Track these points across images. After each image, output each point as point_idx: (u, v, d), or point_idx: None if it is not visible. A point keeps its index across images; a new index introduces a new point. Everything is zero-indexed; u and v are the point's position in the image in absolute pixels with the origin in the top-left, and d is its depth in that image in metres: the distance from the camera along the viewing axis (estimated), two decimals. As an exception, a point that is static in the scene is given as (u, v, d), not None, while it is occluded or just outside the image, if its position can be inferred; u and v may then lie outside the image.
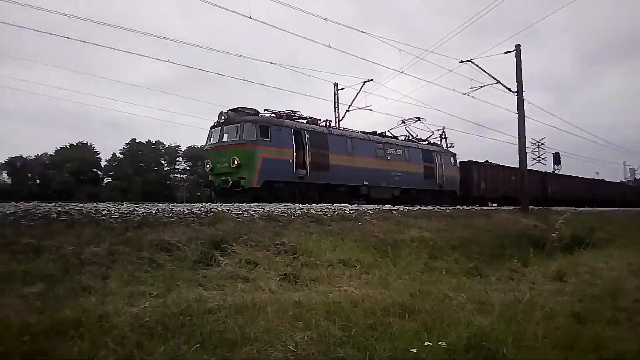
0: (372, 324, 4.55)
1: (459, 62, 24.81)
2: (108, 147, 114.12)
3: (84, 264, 5.67)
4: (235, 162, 16.62)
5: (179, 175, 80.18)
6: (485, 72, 24.13)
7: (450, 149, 28.07)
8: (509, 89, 23.62)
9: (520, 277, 8.02)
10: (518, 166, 30.44)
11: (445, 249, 10.14)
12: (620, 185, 60.27)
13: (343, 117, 30.06)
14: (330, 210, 12.77)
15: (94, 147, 72.54)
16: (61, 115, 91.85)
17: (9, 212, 7.31)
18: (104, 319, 4.08)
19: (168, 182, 76.12)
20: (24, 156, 67.22)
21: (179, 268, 6.11)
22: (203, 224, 8.53)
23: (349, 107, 29.89)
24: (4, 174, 64.19)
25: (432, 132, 27.54)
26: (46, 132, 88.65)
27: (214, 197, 17.89)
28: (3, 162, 63.66)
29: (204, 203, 13.33)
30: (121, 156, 75.06)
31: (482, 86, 25.15)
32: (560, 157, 46.44)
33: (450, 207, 20.10)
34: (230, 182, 16.62)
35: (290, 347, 3.89)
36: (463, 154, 49.33)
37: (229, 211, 10.00)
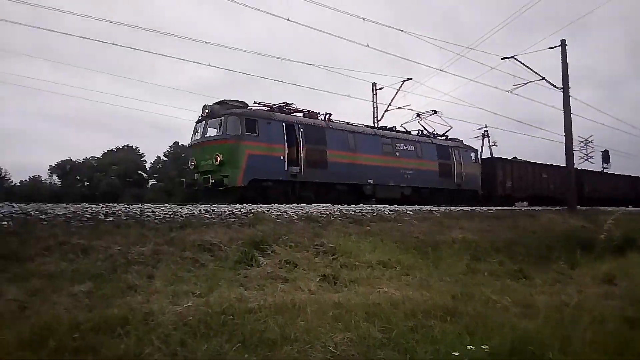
0: (412, 327, 4.50)
1: (502, 59, 24.08)
2: (152, 150, 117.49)
3: (130, 263, 5.85)
4: (218, 159, 15.22)
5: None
6: (529, 68, 23.43)
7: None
8: (555, 86, 22.87)
9: (568, 279, 7.75)
10: (553, 163, 28.84)
11: (489, 250, 9.89)
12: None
13: (382, 117, 29.85)
14: (369, 210, 12.71)
15: (139, 149, 74.74)
16: (108, 120, 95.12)
17: (59, 213, 7.63)
18: (149, 317, 4.19)
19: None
20: (73, 159, 69.95)
21: (221, 268, 6.21)
22: (243, 224, 8.66)
23: (388, 106, 29.62)
24: (54, 177, 66.93)
25: (450, 126, 25.37)
26: (94, 136, 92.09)
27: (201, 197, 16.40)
28: (53, 165, 66.39)
29: (244, 205, 13.05)
30: (165, 159, 77.07)
31: (526, 83, 24.37)
32: (609, 155, 44.59)
33: (494, 208, 19.63)
34: (212, 181, 15.26)
35: (330, 348, 3.89)
36: (506, 154, 48.10)
37: (269, 212, 10.11)
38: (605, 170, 42.17)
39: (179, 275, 5.70)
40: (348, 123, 19.92)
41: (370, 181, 19.07)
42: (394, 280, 6.59)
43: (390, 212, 13.00)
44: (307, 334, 4.08)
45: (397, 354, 3.94)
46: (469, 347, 3.84)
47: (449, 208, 16.59)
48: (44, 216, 7.34)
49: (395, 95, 28.85)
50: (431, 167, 22.11)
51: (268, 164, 15.72)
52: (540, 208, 22.23)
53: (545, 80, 23.26)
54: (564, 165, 24.28)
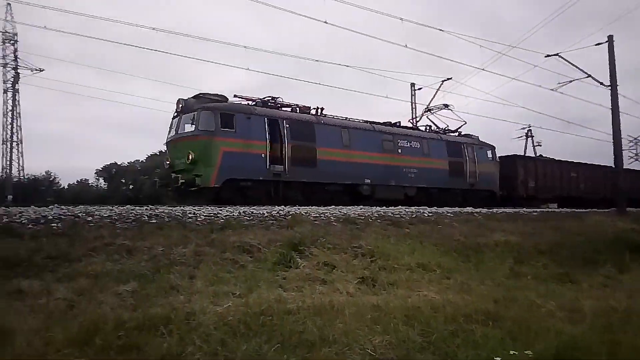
0: (453, 331, 4.42)
1: (545, 57, 23.42)
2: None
3: (172, 264, 5.99)
4: (190, 157, 14.11)
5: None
6: (574, 65, 22.67)
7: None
8: (602, 83, 22.03)
9: (616, 284, 7.44)
10: (584, 162, 27.27)
11: (533, 253, 9.61)
12: None
13: (421, 118, 29.52)
14: (408, 212, 12.59)
15: (181, 153, 76.24)
16: (151, 124, 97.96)
17: (105, 215, 7.91)
18: (190, 316, 4.27)
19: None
20: (118, 163, 72.27)
21: (260, 269, 6.28)
22: (282, 226, 8.74)
23: (427, 107, 29.29)
24: (101, 180, 69.30)
25: (464, 121, 23.52)
26: (138, 140, 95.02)
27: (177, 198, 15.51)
28: (99, 169, 68.77)
29: (282, 206, 12.92)
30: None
31: (571, 81, 23.57)
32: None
33: (538, 210, 19.08)
34: (182, 181, 14.23)
35: (369, 351, 3.87)
36: (551, 154, 46.65)
37: (306, 214, 10.16)
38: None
39: (219, 275, 5.79)
40: (347, 119, 18.61)
41: (368, 181, 17.77)
42: (434, 284, 6.49)
43: (430, 214, 12.85)
44: (346, 336, 4.07)
45: (437, 358, 3.88)
46: (511, 352, 3.74)
47: (490, 210, 16.22)
48: (90, 218, 7.63)
49: (434, 95, 28.44)
50: (440, 165, 20.62)
51: (247, 162, 14.59)
52: (587, 210, 21.34)
53: (592, 77, 22.47)
54: (598, 164, 23.21)
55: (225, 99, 15.62)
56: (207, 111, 14.59)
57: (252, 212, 9.67)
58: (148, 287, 5.09)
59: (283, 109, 16.88)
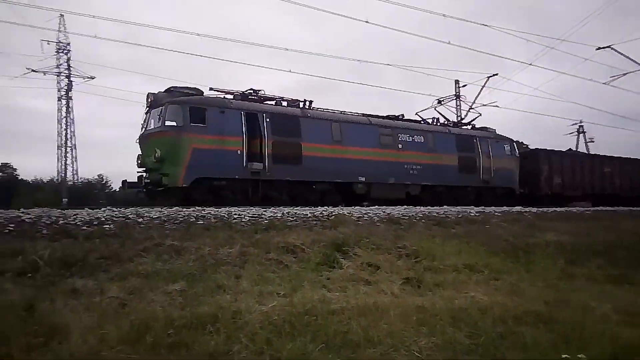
0: (502, 333, 4.30)
1: (596, 50, 22.56)
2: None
3: (219, 264, 6.10)
4: (157, 154, 13.14)
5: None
6: (628, 58, 21.66)
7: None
8: (659, 75, 20.95)
9: (680, 286, 7.03)
10: (620, 156, 25.04)
11: (586, 254, 9.22)
12: None
13: (466, 115, 28.91)
14: (454, 212, 12.36)
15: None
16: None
17: (154, 216, 8.16)
18: (237, 315, 4.34)
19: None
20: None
21: (304, 269, 6.31)
22: (325, 227, 8.76)
23: (472, 104, 28.64)
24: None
25: (479, 113, 22.07)
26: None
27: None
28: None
29: (325, 207, 12.71)
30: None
31: (624, 74, 22.59)
32: None
33: (592, 209, 18.27)
34: (147, 181, 13.42)
35: (415, 352, 3.82)
36: (605, 150, 44.68)
37: (349, 214, 10.14)
38: None
39: (264, 275, 5.86)
40: (342, 112, 17.35)
41: (363, 179, 16.40)
42: (482, 285, 6.34)
43: (477, 214, 12.58)
44: (391, 337, 4.03)
45: (486, 361, 3.78)
46: (564, 356, 3.60)
47: (541, 210, 15.68)
48: (140, 219, 7.89)
49: (479, 92, 27.83)
50: (448, 161, 18.97)
51: (220, 159, 13.42)
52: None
53: (648, 69, 21.39)
54: (637, 158, 21.51)
55: (199, 92, 14.58)
56: (174, 105, 13.51)
57: (295, 213, 9.75)
58: (196, 287, 5.20)
59: (267, 102, 15.71)
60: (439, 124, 20.57)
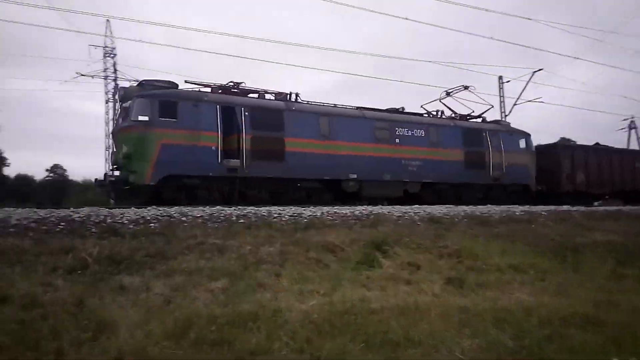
0: (548, 335, 4.18)
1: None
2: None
3: (259, 262, 6.18)
4: (124, 151, 12.62)
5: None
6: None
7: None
8: None
9: None
10: None
11: (637, 254, 8.83)
12: None
13: (510, 112, 28.17)
14: (498, 211, 12.08)
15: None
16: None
17: (197, 215, 8.34)
18: (277, 313, 4.40)
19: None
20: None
21: (343, 268, 6.32)
22: (364, 226, 8.73)
23: (517, 100, 27.85)
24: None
25: (491, 105, 20.11)
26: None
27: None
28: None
29: (364, 206, 12.73)
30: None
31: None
32: None
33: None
34: (111, 179, 12.78)
35: (457, 354, 3.76)
36: (658, 146, 42.54)
37: (389, 213, 10.08)
38: None
39: (304, 274, 5.90)
40: (335, 106, 16.30)
41: (354, 176, 15.22)
42: (527, 285, 6.19)
43: (522, 213, 12.25)
44: (432, 338, 3.98)
45: (531, 363, 3.68)
46: (614, 359, 3.46)
47: (590, 208, 15.08)
48: (184, 218, 8.08)
49: (524, 87, 27.11)
50: (452, 156, 17.50)
51: (193, 156, 12.60)
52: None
53: None
54: None
55: (174, 85, 13.82)
56: (142, 99, 12.74)
57: (335, 212, 9.76)
58: (237, 285, 5.29)
59: (250, 95, 14.77)
60: (444, 116, 19.18)
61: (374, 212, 10.04)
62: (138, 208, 9.04)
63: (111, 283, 5.09)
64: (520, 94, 27.49)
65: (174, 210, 8.84)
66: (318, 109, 15.48)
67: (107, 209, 8.60)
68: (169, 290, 5.02)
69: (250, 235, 7.25)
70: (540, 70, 26.62)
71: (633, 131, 45.22)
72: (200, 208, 9.42)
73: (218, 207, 9.98)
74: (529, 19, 44.87)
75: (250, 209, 9.55)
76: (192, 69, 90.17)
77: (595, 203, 21.37)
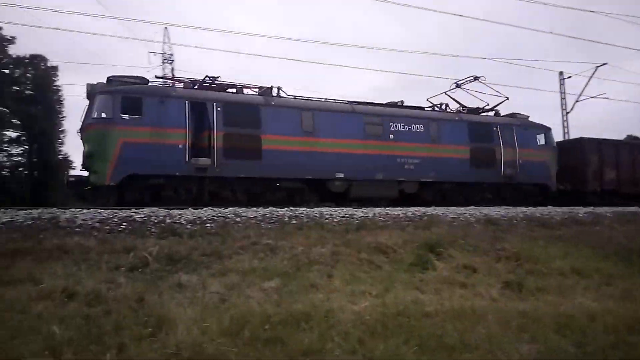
0: (613, 342, 3.97)
1: None
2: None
3: (311, 263, 6.22)
4: (85, 150, 12.09)
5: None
6: None
7: None
8: None
9: None
10: None
11: None
12: None
13: (571, 109, 26.93)
14: (559, 213, 11.58)
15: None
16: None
17: (251, 216, 8.51)
18: (329, 314, 4.40)
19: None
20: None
21: (396, 270, 6.25)
22: (417, 227, 8.60)
23: (579, 97, 26.60)
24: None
25: (506, 97, 18.16)
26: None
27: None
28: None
29: (418, 208, 12.02)
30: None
31: None
32: None
33: None
34: (71, 179, 12.26)
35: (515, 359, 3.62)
36: None
37: (443, 215, 9.88)
38: None
39: (356, 275, 5.88)
40: (326, 100, 15.24)
41: (341, 175, 14.08)
42: (591, 290, 5.90)
43: (585, 214, 11.69)
44: (489, 342, 3.87)
45: (595, 371, 3.50)
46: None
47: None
48: (239, 219, 8.26)
49: (587, 83, 25.88)
50: (456, 153, 15.96)
51: (157, 154, 11.90)
52: None
53: None
54: None
55: (144, 81, 13.17)
56: (104, 95, 12.12)
57: (387, 213, 9.68)
58: (290, 284, 5.35)
59: (229, 90, 14.01)
60: (449, 110, 17.61)
61: (427, 214, 9.88)
62: (195, 209, 9.31)
63: (170, 281, 5.27)
64: (583, 90, 26.27)
65: (228, 211, 9.04)
66: (300, 103, 14.44)
67: (166, 209, 8.89)
68: (224, 289, 5.14)
69: (302, 236, 7.32)
70: (603, 64, 25.32)
71: None
72: (254, 209, 9.59)
73: (271, 207, 10.10)
74: (591, 11, 42.73)
75: (302, 210, 9.62)
76: (250, 72, 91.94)
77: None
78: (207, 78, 13.77)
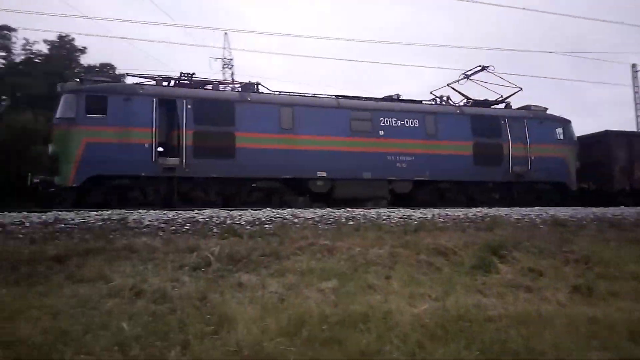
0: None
1: None
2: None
3: (369, 264, 6.19)
4: (50, 150, 11.85)
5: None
6: None
7: None
8: None
9: None
10: None
11: None
12: None
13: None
14: (633, 213, 10.90)
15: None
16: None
17: (308, 217, 8.60)
18: (387, 315, 4.35)
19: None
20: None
21: (456, 272, 6.10)
22: (479, 229, 8.36)
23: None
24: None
25: (520, 88, 16.52)
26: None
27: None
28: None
29: (479, 209, 11.46)
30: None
31: None
32: None
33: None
34: (36, 181, 11.72)
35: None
36: None
37: (507, 216, 9.56)
38: None
39: (415, 277, 5.79)
40: (313, 95, 14.41)
41: (323, 174, 13.27)
42: (670, 296, 5.49)
43: (662, 215, 10.95)
44: (556, 349, 3.70)
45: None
46: None
47: None
48: (296, 220, 8.36)
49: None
50: (457, 149, 14.69)
51: (122, 155, 11.52)
52: None
53: None
54: None
55: (117, 80, 12.88)
56: (69, 94, 11.87)
57: (447, 214, 9.48)
58: (347, 285, 5.33)
59: (207, 87, 13.58)
60: (451, 102, 16.33)
61: (489, 215, 9.59)
62: (254, 210, 9.51)
63: (231, 280, 5.41)
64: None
65: (286, 212, 9.17)
66: (279, 99, 13.80)
67: (227, 211, 9.14)
68: (283, 289, 5.20)
69: (359, 237, 7.30)
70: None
71: None
72: (312, 210, 9.66)
73: (327, 209, 10.13)
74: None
75: (359, 212, 9.60)
76: (307, 74, 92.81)
77: None
78: (183, 75, 13.38)
